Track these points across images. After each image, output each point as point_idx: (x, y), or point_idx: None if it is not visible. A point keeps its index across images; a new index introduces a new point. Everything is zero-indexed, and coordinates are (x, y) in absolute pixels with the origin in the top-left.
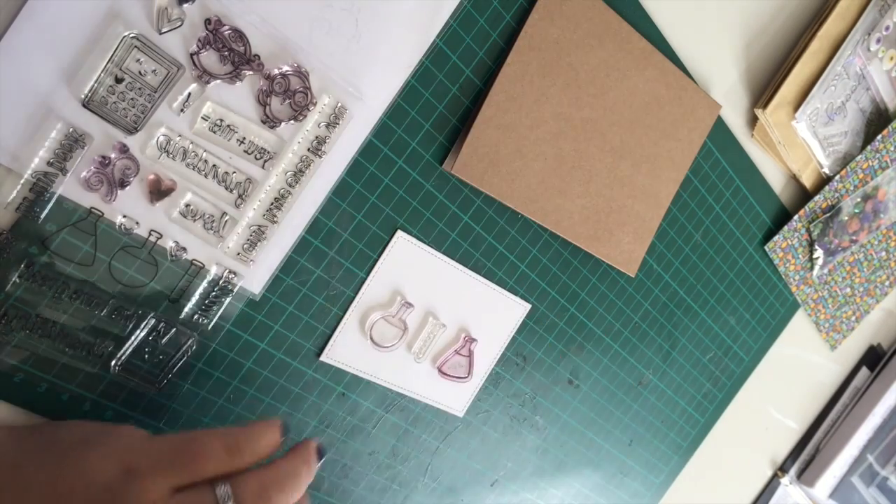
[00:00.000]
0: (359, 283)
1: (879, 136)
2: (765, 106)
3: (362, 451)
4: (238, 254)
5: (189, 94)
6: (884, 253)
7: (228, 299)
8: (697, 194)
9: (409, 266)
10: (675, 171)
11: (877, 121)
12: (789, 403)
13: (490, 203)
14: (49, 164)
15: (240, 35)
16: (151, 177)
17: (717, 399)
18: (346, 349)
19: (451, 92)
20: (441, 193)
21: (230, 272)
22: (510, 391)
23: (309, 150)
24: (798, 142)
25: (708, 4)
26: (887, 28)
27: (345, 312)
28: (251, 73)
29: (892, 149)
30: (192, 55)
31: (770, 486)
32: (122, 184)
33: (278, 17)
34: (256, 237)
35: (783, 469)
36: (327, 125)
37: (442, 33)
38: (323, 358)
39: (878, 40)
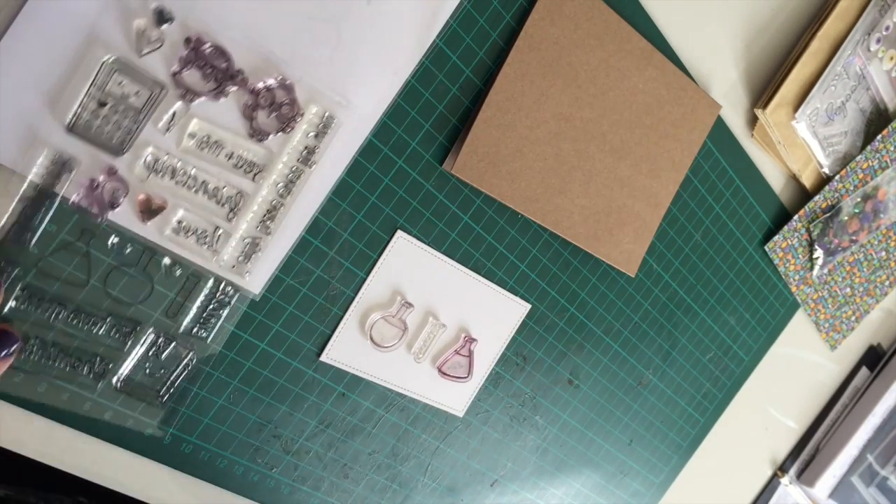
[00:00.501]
0: (359, 283)
1: (879, 136)
2: (765, 106)
3: (362, 451)
4: (233, 266)
5: (174, 113)
6: (884, 253)
7: (226, 311)
8: (697, 194)
9: (409, 266)
10: (675, 171)
11: (877, 121)
12: (789, 403)
13: (490, 203)
14: (37, 189)
15: (221, 52)
16: (141, 197)
17: (717, 399)
18: (346, 349)
19: (451, 92)
20: (441, 193)
21: (227, 284)
22: (510, 391)
23: (299, 160)
24: (798, 142)
25: (708, 4)
26: (887, 28)
27: (345, 312)
28: (235, 88)
29: (892, 149)
30: (174, 75)
31: (770, 486)
32: (113, 205)
33: (259, 32)
34: (251, 249)
35: (783, 469)
36: (316, 135)
37: (442, 33)
38: (323, 358)
39: (878, 40)
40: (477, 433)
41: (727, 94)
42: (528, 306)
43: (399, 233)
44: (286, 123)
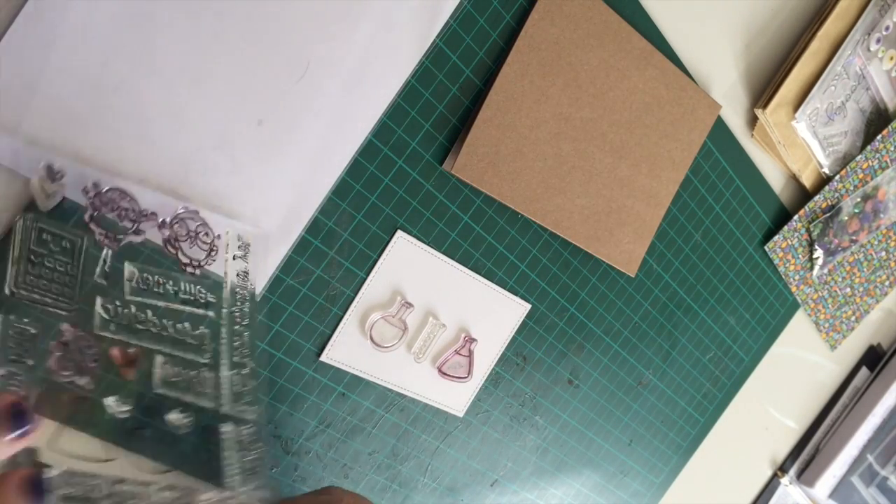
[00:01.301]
0: (359, 283)
1: (879, 136)
2: (765, 106)
3: (362, 451)
4: (236, 400)
5: (105, 260)
6: (884, 253)
7: (255, 454)
8: (697, 194)
9: (409, 266)
10: (675, 171)
11: (877, 121)
12: (789, 403)
13: (490, 203)
14: (11, 361)
15: (123, 192)
16: (115, 351)
17: (717, 399)
18: (346, 349)
19: (451, 92)
20: (441, 193)
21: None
22: (510, 391)
23: (238, 276)
24: (798, 142)
25: (708, 4)
26: (887, 28)
27: (345, 312)
28: (150, 223)
29: (892, 149)
30: (88, 222)
31: (770, 486)
32: (89, 369)
33: (150, 171)
34: (243, 380)
35: (783, 469)
36: (244, 256)
37: (442, 33)
38: (323, 358)
39: (878, 40)
40: (477, 433)
41: (727, 94)
42: (528, 306)
43: (399, 233)
44: (209, 250)
